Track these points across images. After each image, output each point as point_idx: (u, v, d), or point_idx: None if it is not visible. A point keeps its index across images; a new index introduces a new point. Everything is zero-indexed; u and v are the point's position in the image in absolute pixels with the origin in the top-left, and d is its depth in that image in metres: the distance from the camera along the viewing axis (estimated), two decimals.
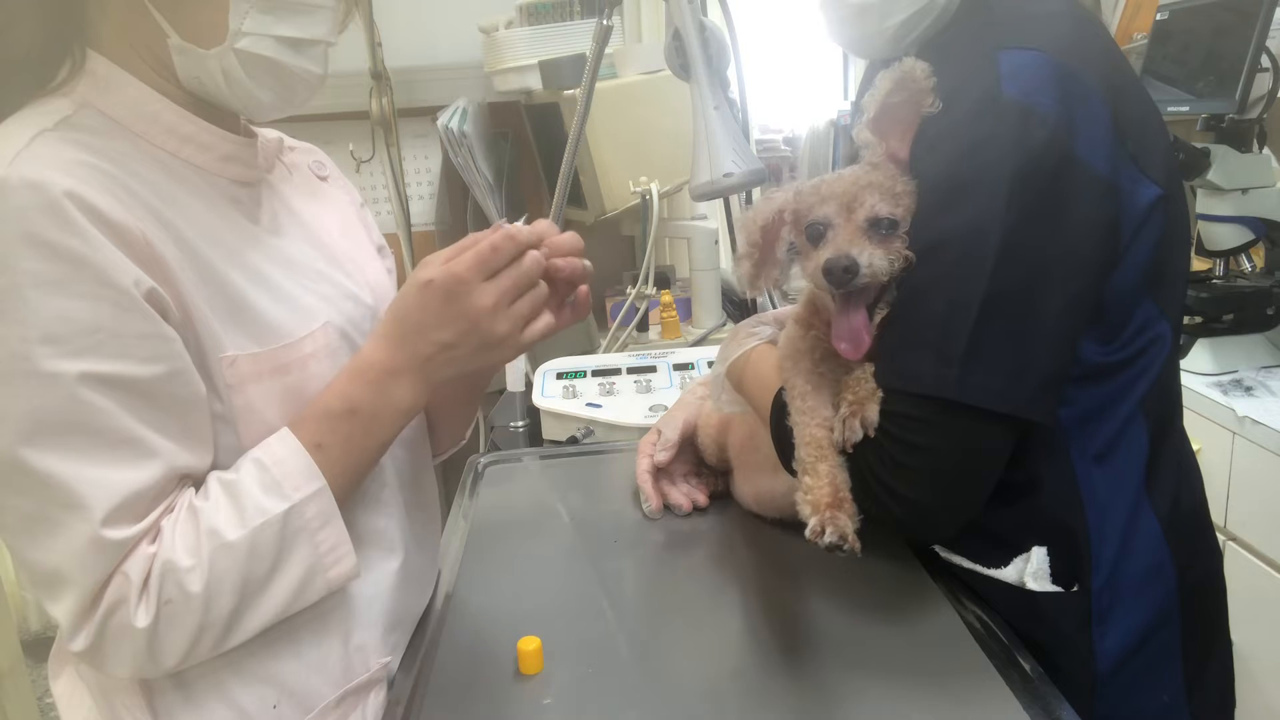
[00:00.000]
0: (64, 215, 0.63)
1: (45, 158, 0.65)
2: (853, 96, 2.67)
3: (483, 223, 2.32)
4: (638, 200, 1.93)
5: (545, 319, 0.79)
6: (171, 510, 0.69)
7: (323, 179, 0.96)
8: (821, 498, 0.75)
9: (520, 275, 0.76)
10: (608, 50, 1.51)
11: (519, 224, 0.78)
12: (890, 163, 0.80)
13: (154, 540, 0.68)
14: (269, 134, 0.91)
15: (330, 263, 0.87)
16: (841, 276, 0.75)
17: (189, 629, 0.68)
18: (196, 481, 0.72)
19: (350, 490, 0.77)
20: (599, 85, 1.51)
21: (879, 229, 0.77)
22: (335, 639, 0.81)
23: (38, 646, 2.76)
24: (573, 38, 2.12)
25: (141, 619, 0.66)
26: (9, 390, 0.63)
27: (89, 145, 0.68)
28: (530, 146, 2.39)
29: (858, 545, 0.74)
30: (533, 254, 0.77)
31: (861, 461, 0.76)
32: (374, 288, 0.91)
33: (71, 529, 0.65)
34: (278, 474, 0.72)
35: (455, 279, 0.74)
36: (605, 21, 1.41)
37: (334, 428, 0.75)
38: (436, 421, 1.01)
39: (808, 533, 0.75)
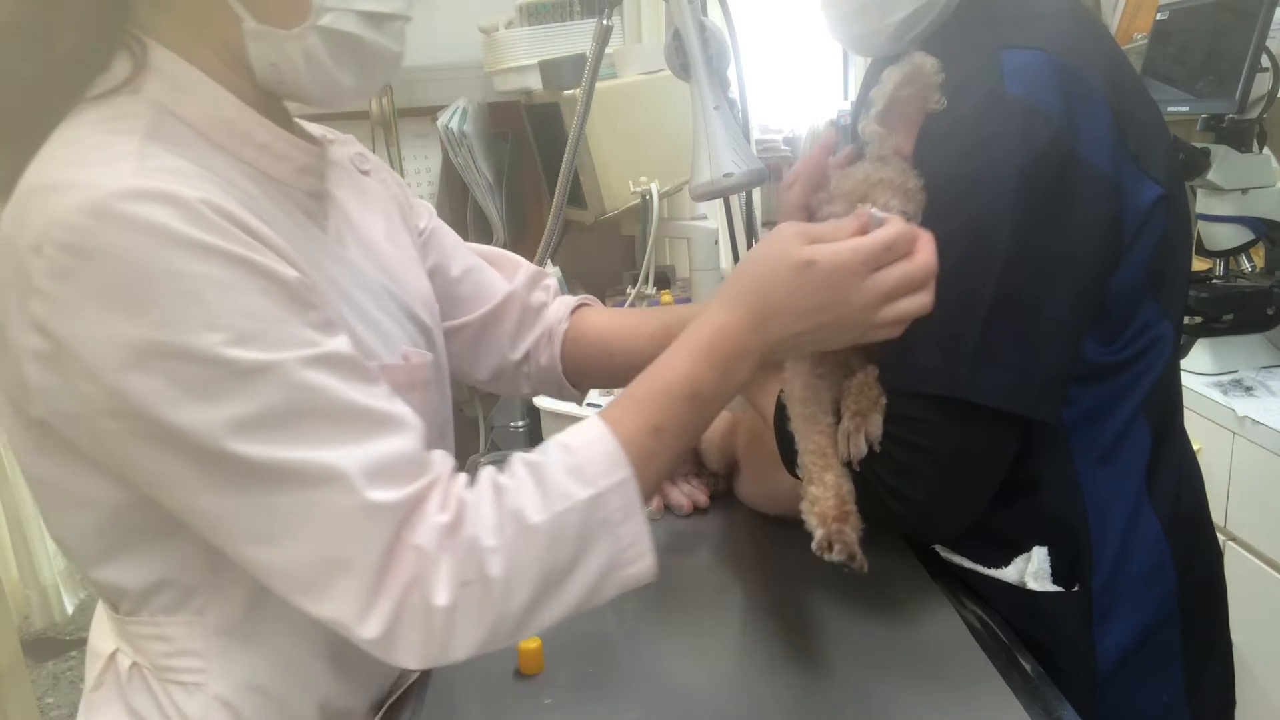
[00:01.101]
0: (208, 220, 0.59)
1: (162, 168, 0.61)
2: (853, 96, 2.67)
3: (483, 222, 2.32)
4: (638, 200, 1.93)
5: (901, 324, 0.70)
6: (437, 482, 0.65)
7: (365, 173, 0.92)
8: (828, 510, 0.74)
9: (910, 278, 0.68)
10: (608, 50, 1.51)
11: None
12: (898, 157, 0.80)
13: (446, 512, 0.63)
14: (311, 128, 0.87)
15: (388, 275, 0.84)
16: None
17: (486, 617, 0.63)
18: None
19: (661, 481, 0.71)
20: (599, 85, 1.51)
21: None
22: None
23: (38, 646, 2.76)
24: (573, 38, 2.12)
25: (441, 597, 0.61)
26: (227, 396, 0.59)
27: (183, 154, 0.64)
28: (530, 146, 2.39)
29: (865, 564, 0.73)
30: (927, 252, 0.69)
31: (866, 465, 0.76)
32: (425, 302, 0.89)
33: (334, 503, 0.60)
34: (584, 459, 0.67)
35: (841, 269, 0.67)
36: (605, 21, 1.41)
37: (675, 411, 0.70)
38: None
39: (814, 546, 0.74)
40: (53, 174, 0.61)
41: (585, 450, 0.67)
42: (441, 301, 0.96)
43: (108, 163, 0.60)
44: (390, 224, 0.90)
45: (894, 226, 0.69)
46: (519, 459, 0.68)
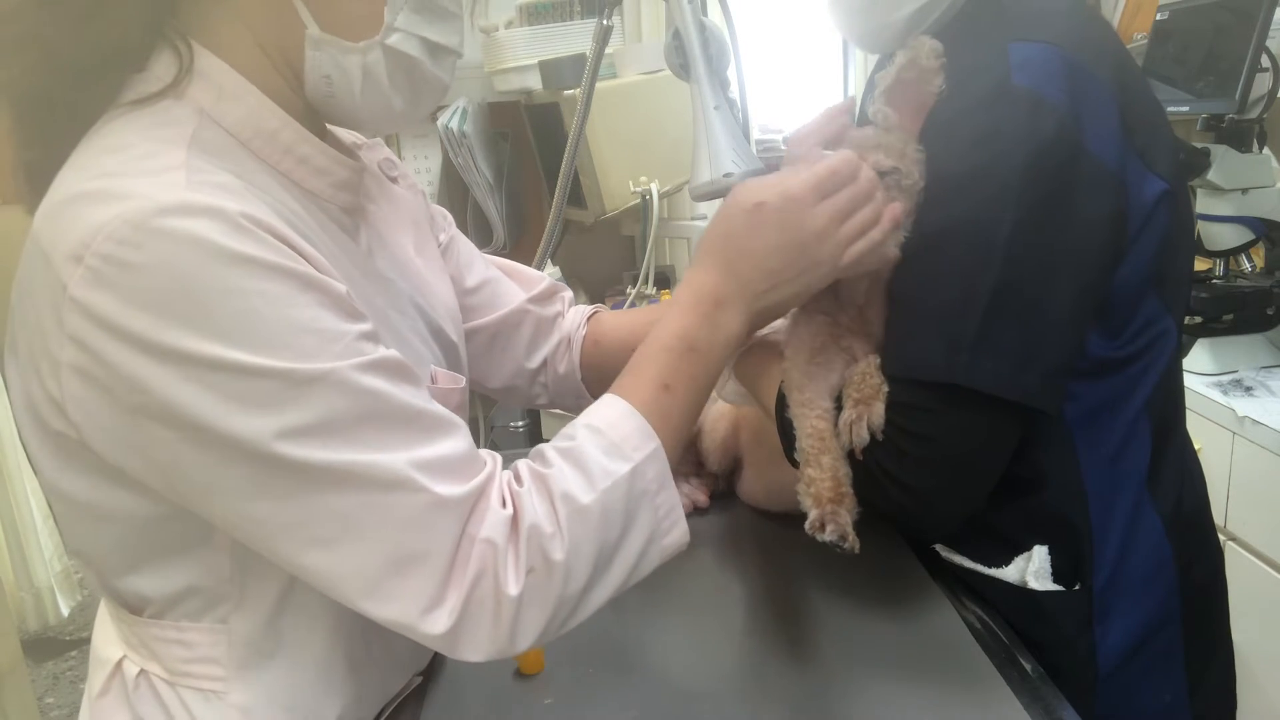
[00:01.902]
0: (256, 235, 0.59)
1: (210, 183, 0.60)
2: (854, 95, 2.67)
3: (483, 223, 2.32)
4: (638, 200, 1.93)
5: (867, 238, 0.74)
6: (493, 477, 0.65)
7: (392, 179, 0.91)
8: (823, 491, 0.75)
9: (856, 195, 0.73)
10: (608, 50, 1.51)
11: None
12: (902, 130, 0.80)
13: (507, 505, 0.64)
14: (342, 134, 0.85)
15: (417, 291, 0.84)
16: None
17: (549, 602, 0.64)
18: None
19: (684, 439, 0.73)
20: (599, 85, 1.51)
21: (883, 179, 0.77)
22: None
23: (38, 646, 2.76)
24: (573, 38, 2.12)
25: (512, 586, 0.62)
26: (285, 405, 0.58)
27: (226, 166, 0.64)
28: (530, 146, 2.39)
29: (856, 544, 0.74)
30: (868, 172, 0.74)
31: (867, 453, 0.76)
32: (452, 317, 0.89)
33: (404, 501, 0.61)
34: (615, 437, 0.68)
35: (790, 200, 0.72)
36: (605, 21, 1.40)
37: (677, 366, 0.72)
38: None
39: (807, 525, 0.75)
40: (97, 183, 0.59)
41: (614, 429, 0.68)
42: None
43: (156, 174, 0.59)
44: (419, 235, 0.90)
45: (836, 156, 0.72)
46: (549, 448, 0.69)
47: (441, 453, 0.63)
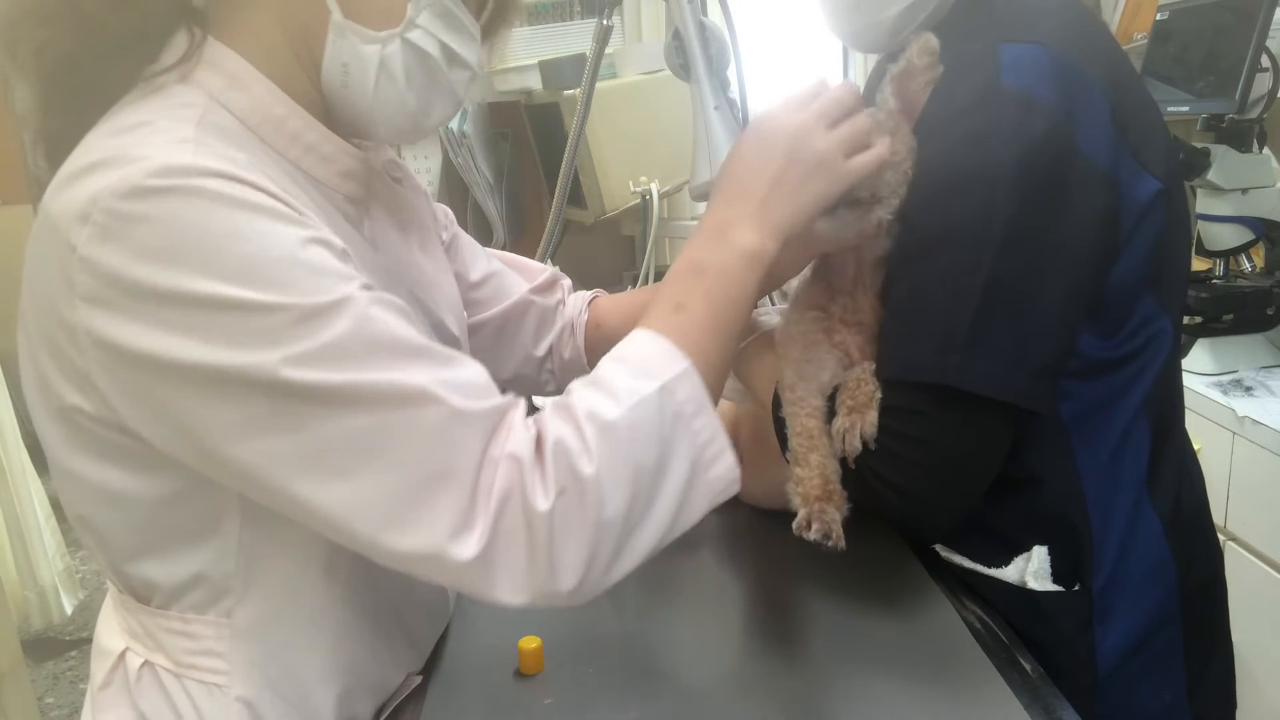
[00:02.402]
0: (264, 191, 0.60)
1: (217, 154, 0.61)
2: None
3: (483, 223, 2.32)
4: (638, 200, 1.93)
5: (871, 151, 0.76)
6: (516, 403, 0.64)
7: (397, 180, 0.92)
8: (811, 490, 0.75)
9: (858, 124, 0.76)
10: (608, 50, 1.51)
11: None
12: (900, 116, 0.80)
13: (530, 428, 0.62)
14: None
15: (419, 286, 0.84)
16: None
17: (585, 528, 0.60)
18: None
19: (719, 366, 0.71)
20: (599, 85, 1.51)
21: None
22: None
23: (38, 646, 2.76)
24: (573, 38, 2.13)
25: (542, 502, 0.59)
26: (295, 335, 0.58)
27: (234, 145, 0.65)
28: (530, 146, 2.39)
29: (842, 542, 0.74)
30: (842, 81, 0.78)
31: (860, 457, 0.76)
32: (454, 311, 0.89)
33: (423, 416, 0.59)
34: (639, 362, 0.65)
35: (782, 111, 0.75)
36: (605, 21, 1.40)
37: (687, 287, 0.71)
38: None
39: (794, 525, 0.75)
40: (107, 154, 0.60)
41: (637, 354, 0.66)
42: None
43: (166, 144, 0.61)
44: (423, 235, 0.91)
45: (839, 86, 0.77)
46: (572, 384, 0.66)
47: (459, 375, 0.62)
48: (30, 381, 0.67)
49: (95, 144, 0.63)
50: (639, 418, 0.62)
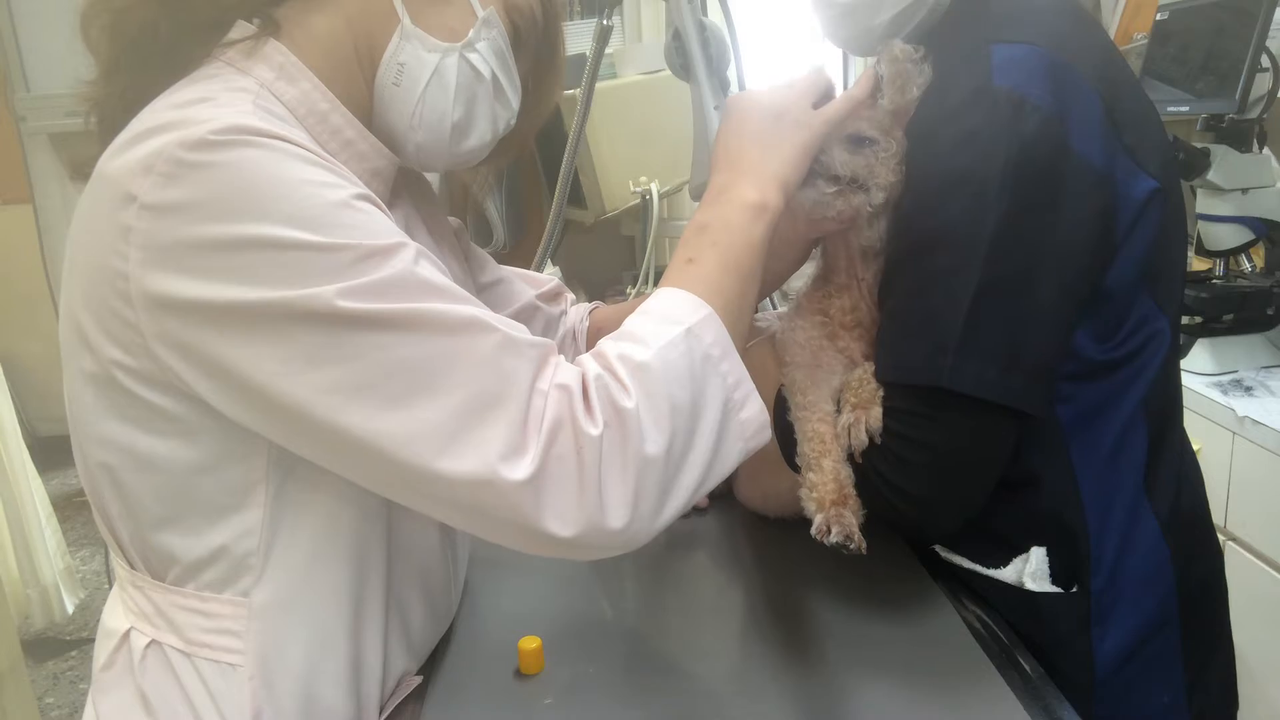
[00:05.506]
0: (314, 153, 0.64)
1: (274, 123, 0.65)
2: None
3: (483, 223, 2.32)
4: (638, 200, 1.93)
5: (840, 97, 0.82)
6: (556, 348, 0.67)
7: (419, 190, 0.94)
8: (826, 494, 0.75)
9: (821, 84, 0.81)
10: (608, 50, 1.51)
11: None
12: (893, 114, 0.81)
13: (572, 365, 0.66)
14: None
15: None
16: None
17: (630, 463, 0.62)
18: None
19: (739, 315, 0.73)
20: (599, 85, 1.51)
21: (860, 144, 0.80)
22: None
23: (38, 646, 2.76)
24: (572, 38, 2.11)
25: (591, 429, 0.61)
26: (357, 272, 0.60)
27: (285, 127, 0.68)
28: (530, 146, 2.39)
29: (863, 544, 0.74)
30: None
31: (863, 458, 0.76)
32: None
33: (475, 342, 0.62)
34: (662, 312, 0.69)
35: (769, 93, 0.80)
36: (605, 21, 1.41)
37: (695, 243, 0.74)
38: None
39: (813, 530, 0.75)
40: (165, 119, 0.63)
41: (659, 306, 0.69)
42: None
43: (228, 112, 0.64)
44: (444, 237, 0.93)
45: (811, 69, 0.82)
46: (601, 340, 0.69)
47: (505, 317, 0.65)
48: (68, 344, 0.69)
49: (156, 114, 0.65)
50: (670, 358, 0.65)
